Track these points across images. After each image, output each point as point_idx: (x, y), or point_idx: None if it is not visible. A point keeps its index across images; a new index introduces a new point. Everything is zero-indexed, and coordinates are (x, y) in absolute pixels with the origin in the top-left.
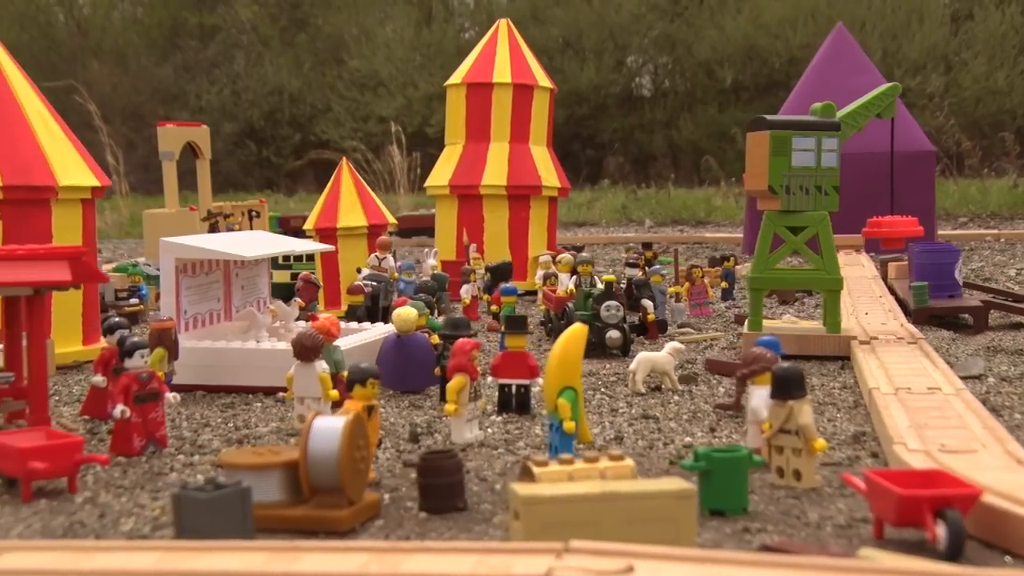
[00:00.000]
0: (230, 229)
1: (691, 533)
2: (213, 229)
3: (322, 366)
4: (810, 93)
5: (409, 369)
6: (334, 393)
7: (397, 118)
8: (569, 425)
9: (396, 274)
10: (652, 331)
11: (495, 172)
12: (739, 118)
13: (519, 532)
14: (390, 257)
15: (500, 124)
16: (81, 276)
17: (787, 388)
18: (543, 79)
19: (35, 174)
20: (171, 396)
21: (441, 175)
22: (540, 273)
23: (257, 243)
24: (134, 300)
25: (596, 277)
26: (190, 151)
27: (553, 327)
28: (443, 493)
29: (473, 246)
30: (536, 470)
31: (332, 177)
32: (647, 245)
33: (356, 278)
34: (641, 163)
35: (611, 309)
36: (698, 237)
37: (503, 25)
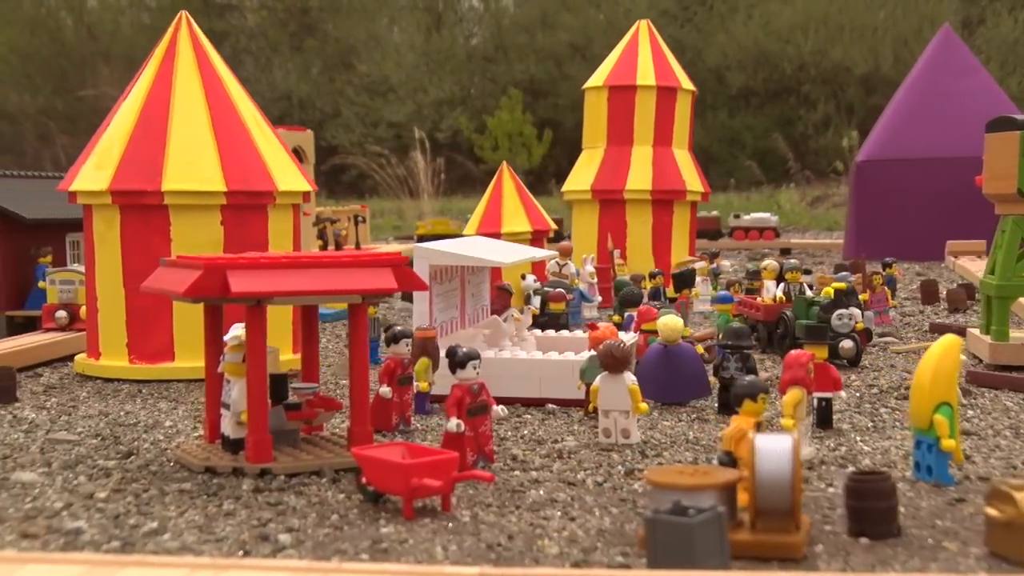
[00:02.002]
0: (337, 235)
1: None
2: (322, 235)
3: (631, 378)
4: (918, 96)
5: (676, 380)
6: (644, 406)
7: (407, 123)
8: (948, 443)
9: (576, 280)
10: (860, 340)
11: (639, 176)
12: (749, 123)
13: None
14: (571, 263)
15: (643, 127)
16: (404, 283)
17: None
18: (686, 81)
19: (255, 179)
20: (499, 409)
21: (581, 179)
22: (698, 279)
23: (500, 249)
24: None
25: (805, 284)
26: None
27: (764, 336)
28: (879, 517)
29: (617, 252)
30: (1016, 495)
31: (492, 182)
32: (785, 251)
33: (520, 285)
34: None
35: (843, 318)
36: (783, 243)
37: (643, 26)
